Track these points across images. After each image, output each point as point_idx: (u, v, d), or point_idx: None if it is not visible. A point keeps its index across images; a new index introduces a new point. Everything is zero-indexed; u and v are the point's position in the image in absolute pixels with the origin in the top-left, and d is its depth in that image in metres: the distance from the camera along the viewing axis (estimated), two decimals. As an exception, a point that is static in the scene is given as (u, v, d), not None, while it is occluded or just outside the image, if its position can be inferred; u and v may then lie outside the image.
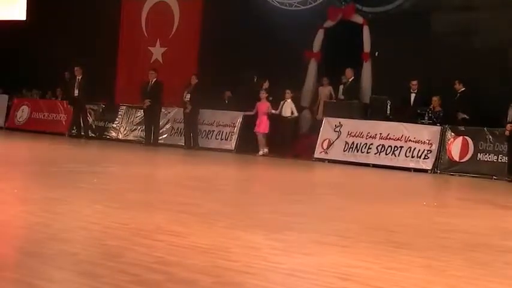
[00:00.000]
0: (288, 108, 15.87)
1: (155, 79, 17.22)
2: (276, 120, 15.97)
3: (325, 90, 16.84)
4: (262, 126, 15.89)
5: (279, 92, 16.27)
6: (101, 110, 18.92)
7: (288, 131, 16.02)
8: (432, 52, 15.26)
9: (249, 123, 16.48)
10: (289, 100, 15.84)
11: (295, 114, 15.95)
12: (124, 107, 18.58)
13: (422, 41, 15.28)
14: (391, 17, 15.98)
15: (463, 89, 14.59)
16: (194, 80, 16.83)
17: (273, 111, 15.91)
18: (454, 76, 14.79)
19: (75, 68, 18.32)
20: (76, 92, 18.28)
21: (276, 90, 16.35)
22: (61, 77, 20.10)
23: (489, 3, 15.08)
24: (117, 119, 18.55)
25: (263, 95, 16.04)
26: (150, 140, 17.06)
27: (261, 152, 15.78)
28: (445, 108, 14.63)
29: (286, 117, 15.87)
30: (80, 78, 18.30)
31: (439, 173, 13.85)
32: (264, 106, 15.97)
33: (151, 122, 17.15)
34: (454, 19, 15.29)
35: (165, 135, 17.42)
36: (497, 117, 13.51)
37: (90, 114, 18.71)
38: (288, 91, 15.89)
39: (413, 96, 15.20)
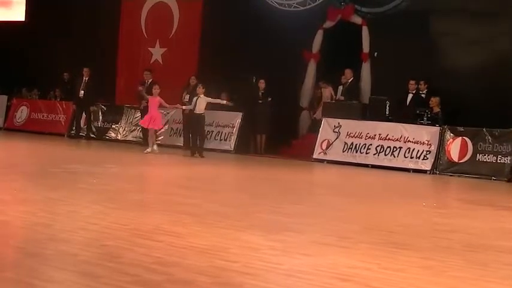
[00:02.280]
0: (201, 105, 14.63)
1: (151, 80, 17.23)
2: (189, 116, 15.35)
3: (326, 91, 16.84)
4: (157, 122, 14.94)
5: (278, 92, 16.30)
6: (100, 111, 18.94)
7: (199, 128, 14.87)
8: (431, 52, 15.26)
9: (248, 124, 16.50)
10: (202, 96, 14.60)
11: (202, 111, 14.61)
12: (123, 108, 18.60)
13: (422, 40, 15.27)
14: (389, 17, 15.98)
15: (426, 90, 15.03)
16: (193, 81, 16.83)
17: (184, 107, 15.30)
18: (454, 76, 14.79)
19: (84, 69, 18.31)
20: (82, 92, 18.28)
21: (276, 91, 16.37)
22: (60, 78, 20.11)
23: (488, 2, 15.07)
24: (116, 119, 18.57)
25: (155, 90, 14.96)
26: (147, 140, 17.03)
27: (149, 150, 14.59)
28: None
29: (200, 113, 14.69)
30: (87, 79, 18.31)
31: (438, 173, 13.84)
32: (155, 101, 14.91)
33: None
34: (453, 18, 15.28)
35: (164, 136, 17.41)
36: (496, 118, 13.52)
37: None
38: (200, 85, 14.79)
39: (410, 96, 15.23)
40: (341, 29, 16.54)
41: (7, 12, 22.68)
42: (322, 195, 9.95)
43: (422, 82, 15.05)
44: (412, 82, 15.12)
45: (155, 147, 14.84)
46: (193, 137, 15.21)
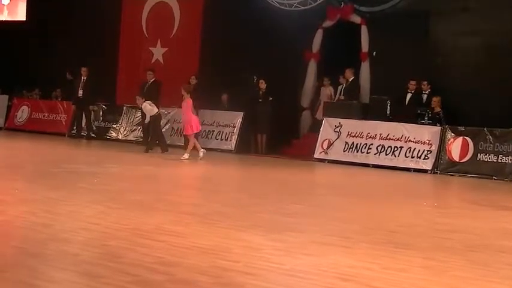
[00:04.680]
0: (147, 108, 14.91)
1: (153, 79, 17.21)
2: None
3: (326, 91, 16.84)
4: (196, 125, 13.98)
5: (279, 92, 16.31)
6: (101, 111, 18.95)
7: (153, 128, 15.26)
8: (431, 51, 15.25)
9: (249, 124, 16.50)
10: (143, 104, 14.96)
11: (147, 119, 15.06)
12: (124, 108, 18.61)
13: (421, 39, 15.26)
14: (388, 16, 15.96)
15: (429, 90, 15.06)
16: (193, 81, 16.83)
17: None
18: (454, 75, 14.78)
19: (82, 69, 18.33)
20: (80, 92, 18.31)
21: (276, 90, 16.36)
22: (62, 78, 20.11)
23: (488, 1, 15.05)
24: (117, 119, 18.58)
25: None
26: (148, 140, 17.04)
27: (186, 156, 13.47)
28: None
29: (152, 116, 14.99)
30: (85, 78, 18.33)
31: (439, 173, 13.83)
32: (188, 103, 14.03)
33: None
34: (453, 17, 15.26)
35: (165, 136, 17.37)
36: (497, 117, 13.52)
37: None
38: (138, 97, 15.23)
39: (409, 95, 15.22)
40: (341, 29, 16.54)
41: (8, 12, 22.68)
42: (323, 195, 9.94)
43: (425, 82, 15.00)
44: (412, 82, 15.10)
45: (201, 153, 13.56)
46: (151, 137, 15.41)
